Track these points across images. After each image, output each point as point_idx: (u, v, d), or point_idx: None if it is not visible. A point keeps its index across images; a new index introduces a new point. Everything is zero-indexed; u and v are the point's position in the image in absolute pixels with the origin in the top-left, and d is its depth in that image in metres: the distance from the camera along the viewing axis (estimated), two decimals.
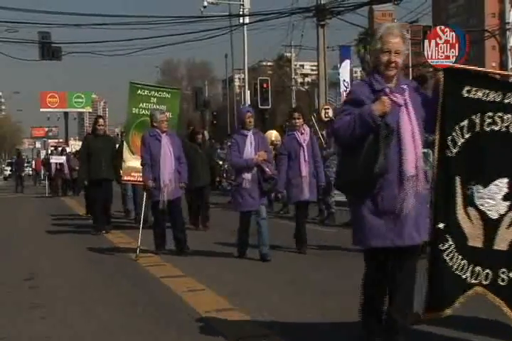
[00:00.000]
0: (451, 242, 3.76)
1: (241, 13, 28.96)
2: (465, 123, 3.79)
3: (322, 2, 23.14)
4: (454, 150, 3.78)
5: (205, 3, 30.95)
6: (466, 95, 3.80)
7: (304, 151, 8.57)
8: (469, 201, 3.78)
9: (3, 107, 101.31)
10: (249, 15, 28.48)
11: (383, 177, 3.69)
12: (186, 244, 8.65)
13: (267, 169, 7.96)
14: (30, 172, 48.21)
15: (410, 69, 41.20)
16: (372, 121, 3.65)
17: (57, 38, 29.37)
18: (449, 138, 3.78)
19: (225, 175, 20.03)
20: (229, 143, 19.22)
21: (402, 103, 3.79)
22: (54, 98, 55.53)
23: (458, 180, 3.78)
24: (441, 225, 3.75)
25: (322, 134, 12.94)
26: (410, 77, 17.34)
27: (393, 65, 3.81)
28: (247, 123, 8.13)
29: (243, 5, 29.57)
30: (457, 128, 3.79)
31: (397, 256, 3.84)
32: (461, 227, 3.77)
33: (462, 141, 3.79)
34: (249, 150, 8.00)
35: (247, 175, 7.93)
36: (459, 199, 3.78)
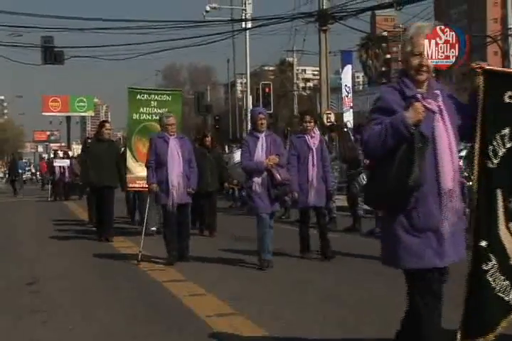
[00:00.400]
0: (494, 262, 3.48)
1: (243, 18, 29.04)
2: (506, 131, 3.52)
3: (324, 7, 23.15)
4: (495, 161, 3.50)
5: (208, 8, 31.07)
6: (507, 101, 3.52)
7: (313, 155, 8.38)
8: (511, 216, 3.52)
9: (5, 111, 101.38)
10: (251, 20, 28.52)
11: (418, 191, 3.37)
12: (188, 250, 8.58)
13: (277, 175, 7.75)
14: (30, 176, 47.94)
15: None
16: (405, 129, 3.34)
17: (59, 43, 29.29)
18: (490, 148, 3.49)
19: None
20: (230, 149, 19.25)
21: (437, 110, 3.48)
22: (56, 102, 55.52)
23: (499, 193, 3.51)
24: (483, 243, 3.48)
25: (324, 139, 12.93)
26: None
27: (425, 68, 3.51)
28: (258, 125, 7.93)
29: (245, 10, 29.69)
30: (498, 137, 3.50)
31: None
32: (502, 245, 3.51)
33: (503, 150, 3.51)
34: (259, 154, 7.82)
35: (257, 179, 7.77)
36: (501, 214, 3.51)
